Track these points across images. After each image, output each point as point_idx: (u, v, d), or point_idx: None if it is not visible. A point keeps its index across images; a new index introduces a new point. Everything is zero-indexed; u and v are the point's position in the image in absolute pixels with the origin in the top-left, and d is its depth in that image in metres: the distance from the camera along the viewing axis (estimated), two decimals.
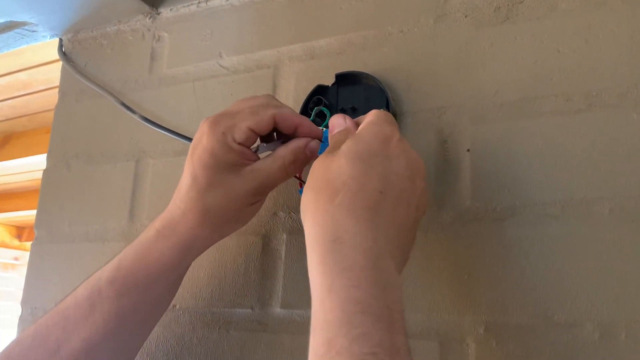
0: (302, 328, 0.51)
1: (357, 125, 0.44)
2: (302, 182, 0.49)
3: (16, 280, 3.62)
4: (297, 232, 0.54)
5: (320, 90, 0.55)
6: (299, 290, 0.52)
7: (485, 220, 0.47)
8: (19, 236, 3.78)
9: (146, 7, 0.69)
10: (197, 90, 0.64)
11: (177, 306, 0.57)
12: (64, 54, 0.75)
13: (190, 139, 0.58)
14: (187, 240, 0.47)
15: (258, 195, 0.47)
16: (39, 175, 0.73)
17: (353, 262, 0.35)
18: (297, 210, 0.55)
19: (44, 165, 0.72)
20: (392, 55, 0.54)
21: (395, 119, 0.52)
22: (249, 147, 0.46)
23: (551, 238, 0.44)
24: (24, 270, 0.68)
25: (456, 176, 0.49)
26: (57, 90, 0.75)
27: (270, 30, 0.61)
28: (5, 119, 2.15)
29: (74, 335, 0.46)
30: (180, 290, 0.58)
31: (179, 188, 0.47)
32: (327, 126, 0.53)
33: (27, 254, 0.72)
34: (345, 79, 0.54)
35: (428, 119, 0.51)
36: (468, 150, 0.49)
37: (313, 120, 0.54)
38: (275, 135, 0.49)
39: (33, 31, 0.75)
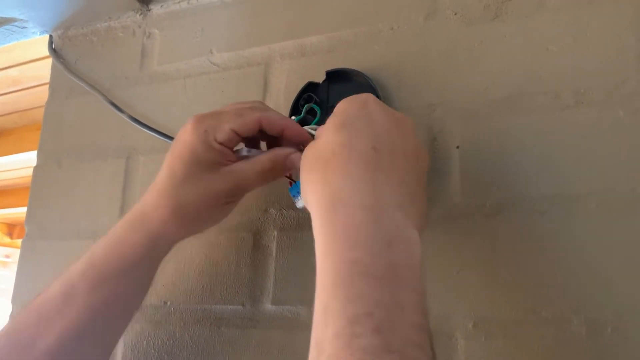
0: (293, 324, 0.51)
1: None
2: (292, 181, 0.50)
3: (8, 277, 3.60)
4: (288, 228, 0.54)
5: (311, 87, 0.55)
6: (289, 286, 0.53)
7: (475, 216, 0.47)
8: (10, 234, 3.76)
9: (137, 4, 0.68)
10: (188, 87, 0.64)
11: (169, 303, 0.58)
12: (54, 51, 0.74)
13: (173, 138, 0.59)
14: (157, 233, 0.47)
15: (232, 196, 0.48)
16: (30, 172, 0.73)
17: (351, 222, 0.34)
18: (287, 207, 0.55)
19: (34, 162, 0.72)
20: (383, 53, 0.54)
21: None
22: (230, 148, 0.46)
23: (539, 234, 0.45)
24: (15, 268, 0.68)
25: (446, 173, 0.49)
26: (47, 86, 0.74)
27: (261, 27, 0.61)
28: None
29: (49, 330, 0.46)
30: (171, 287, 0.58)
31: (156, 181, 0.47)
32: (318, 123, 0.53)
33: (18, 252, 0.72)
34: (336, 76, 0.55)
35: (418, 116, 0.51)
36: (457, 147, 0.49)
37: (304, 117, 0.54)
38: (260, 142, 0.50)
39: (23, 27, 0.74)
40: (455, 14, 0.52)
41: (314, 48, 0.58)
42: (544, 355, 0.42)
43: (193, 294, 0.57)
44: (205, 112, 0.48)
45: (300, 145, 0.48)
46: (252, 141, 0.50)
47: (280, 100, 0.58)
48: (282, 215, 0.55)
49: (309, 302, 0.51)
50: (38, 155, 0.72)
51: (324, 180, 0.37)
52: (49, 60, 0.75)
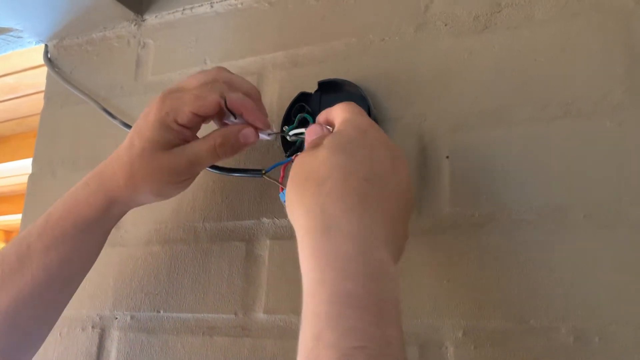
0: (285, 333, 0.52)
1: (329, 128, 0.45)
2: (283, 187, 0.50)
3: None
4: (280, 237, 0.55)
5: (303, 97, 0.56)
6: (282, 295, 0.53)
7: (464, 226, 0.47)
8: (7, 241, 3.76)
9: (131, 14, 0.69)
10: None
11: (161, 312, 0.58)
12: (49, 60, 0.75)
13: None
14: (113, 196, 0.50)
15: (184, 173, 0.50)
16: (27, 179, 0.73)
17: (344, 253, 0.34)
18: (280, 216, 0.55)
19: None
20: (374, 63, 0.55)
21: None
22: (190, 128, 0.49)
23: (527, 243, 0.45)
24: None
25: (435, 182, 0.49)
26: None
27: (255, 37, 0.62)
28: None
29: (2, 292, 0.47)
30: (164, 295, 0.58)
31: (119, 148, 0.50)
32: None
33: None
34: (327, 87, 0.55)
35: (408, 126, 0.52)
36: (447, 157, 0.50)
37: (296, 127, 0.55)
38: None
39: (19, 37, 0.75)
40: (445, 25, 0.53)
41: (306, 58, 0.59)
42: None
43: (186, 302, 0.57)
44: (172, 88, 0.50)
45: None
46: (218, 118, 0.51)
47: (274, 109, 0.58)
48: (274, 224, 0.55)
49: (301, 311, 0.52)
50: (33, 164, 0.72)
51: (318, 203, 0.37)
52: (46, 68, 0.76)
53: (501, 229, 0.46)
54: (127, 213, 0.53)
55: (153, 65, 0.67)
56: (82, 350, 0.60)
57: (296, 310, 0.52)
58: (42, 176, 0.71)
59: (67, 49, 0.74)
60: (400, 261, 0.39)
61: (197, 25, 0.66)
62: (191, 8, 0.66)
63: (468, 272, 0.46)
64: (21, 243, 0.49)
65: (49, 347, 0.62)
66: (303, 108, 0.55)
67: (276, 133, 0.53)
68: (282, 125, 0.56)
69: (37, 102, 0.75)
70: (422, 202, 0.49)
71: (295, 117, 0.55)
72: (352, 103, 0.44)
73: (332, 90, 0.55)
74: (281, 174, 0.50)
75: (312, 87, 0.56)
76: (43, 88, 0.75)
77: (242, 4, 0.64)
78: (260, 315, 0.53)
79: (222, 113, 0.49)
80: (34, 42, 0.76)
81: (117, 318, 0.60)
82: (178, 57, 0.66)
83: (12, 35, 0.74)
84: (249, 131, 0.49)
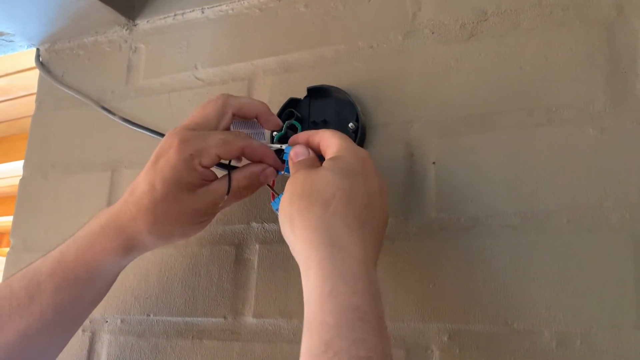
0: (274, 337, 0.52)
1: (316, 154, 0.47)
2: (275, 193, 0.51)
3: None
4: (269, 242, 0.55)
5: (292, 103, 0.56)
6: (271, 299, 0.53)
7: (450, 231, 0.48)
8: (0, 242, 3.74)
9: (123, 19, 0.69)
10: (173, 101, 0.65)
11: (151, 315, 0.58)
12: (41, 64, 0.75)
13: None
14: (131, 243, 0.48)
15: (207, 215, 0.49)
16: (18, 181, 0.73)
17: (351, 269, 0.37)
18: (269, 221, 0.56)
19: None
20: (363, 70, 0.56)
21: (365, 132, 0.53)
22: (210, 170, 0.48)
23: (512, 248, 0.46)
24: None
25: (422, 188, 0.50)
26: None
27: (245, 43, 0.63)
28: None
29: (9, 326, 0.47)
30: (154, 299, 0.59)
31: (133, 190, 0.48)
32: None
33: None
34: (317, 93, 0.56)
35: (396, 132, 0.53)
36: (434, 162, 0.50)
37: (285, 133, 0.55)
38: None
39: (10, 41, 0.75)
40: (432, 33, 0.54)
41: (296, 64, 0.59)
42: None
43: (176, 306, 0.57)
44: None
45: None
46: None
47: None
48: (264, 228, 0.56)
49: (290, 315, 0.52)
50: (24, 167, 0.72)
51: (324, 221, 0.39)
52: (38, 71, 0.76)
53: (486, 234, 0.47)
54: None
55: (144, 70, 0.68)
56: (72, 354, 0.61)
57: (285, 314, 0.52)
58: (33, 180, 0.71)
59: (59, 53, 0.75)
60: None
61: (188, 31, 0.66)
62: (182, 13, 0.67)
63: (454, 276, 0.47)
64: (31, 279, 0.48)
65: None
66: (292, 114, 0.56)
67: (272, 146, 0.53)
68: (272, 132, 0.56)
69: (29, 105, 0.74)
70: (409, 207, 0.50)
71: (284, 123, 0.56)
72: (340, 132, 0.47)
73: (321, 96, 0.56)
74: (272, 182, 0.51)
75: (301, 93, 0.56)
76: (35, 90, 0.76)
77: (232, 10, 0.64)
78: (249, 319, 0.54)
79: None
80: (26, 46, 0.76)
81: (107, 321, 0.60)
82: (169, 62, 0.66)
83: (3, 39, 0.74)
84: (269, 171, 0.49)
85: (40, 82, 0.75)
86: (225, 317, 0.55)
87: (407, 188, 0.51)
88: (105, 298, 0.60)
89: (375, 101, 0.54)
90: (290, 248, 0.42)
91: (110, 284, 0.52)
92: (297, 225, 0.40)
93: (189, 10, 0.66)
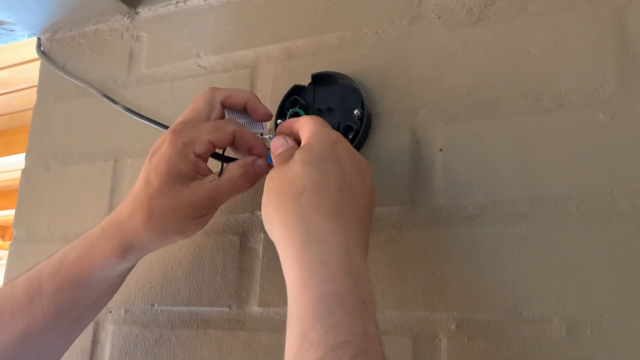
0: (280, 326, 0.52)
1: (297, 142, 0.46)
2: None
3: (0, 280, 3.58)
4: None
5: (297, 90, 0.56)
6: (276, 288, 0.53)
7: (457, 219, 0.48)
8: (2, 236, 3.75)
9: (124, 7, 0.69)
10: (175, 90, 0.64)
11: (156, 305, 0.58)
12: (43, 53, 0.74)
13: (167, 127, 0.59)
14: (130, 241, 0.47)
15: (204, 209, 0.48)
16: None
17: (327, 257, 0.37)
18: None
19: None
20: (367, 56, 0.55)
21: (370, 119, 0.53)
22: (205, 160, 0.48)
23: (520, 235, 0.45)
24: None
25: (429, 175, 0.49)
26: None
27: (248, 30, 0.62)
28: None
29: (10, 326, 0.47)
30: (158, 289, 0.58)
31: (132, 190, 0.48)
32: None
33: None
34: (321, 80, 0.55)
35: (402, 119, 0.52)
36: (441, 149, 0.50)
37: None
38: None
39: (11, 30, 0.74)
40: (439, 18, 0.53)
41: (300, 51, 0.58)
42: (525, 355, 0.43)
43: (180, 296, 0.57)
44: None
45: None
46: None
47: (267, 103, 0.58)
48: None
49: None
50: (26, 159, 0.72)
51: (297, 215, 0.39)
52: (39, 63, 0.75)
53: (494, 221, 0.46)
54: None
55: (146, 59, 0.67)
56: (76, 344, 0.60)
57: None
58: (35, 171, 0.70)
59: (60, 42, 0.74)
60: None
61: (190, 18, 0.65)
62: (185, 1, 0.66)
63: (461, 264, 0.47)
64: (33, 280, 0.48)
65: None
66: (297, 101, 0.55)
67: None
68: (276, 119, 0.56)
69: (31, 97, 0.74)
70: (416, 194, 0.50)
71: (288, 111, 0.55)
72: (317, 116, 0.46)
73: (325, 83, 0.55)
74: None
75: (306, 80, 0.55)
76: (36, 83, 0.75)
77: None
78: (254, 308, 0.53)
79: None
80: (27, 35, 0.76)
81: (111, 312, 0.60)
82: (171, 50, 0.66)
83: (4, 29, 0.74)
84: (261, 161, 0.49)
85: (42, 72, 0.75)
86: (230, 307, 0.54)
87: (413, 176, 0.50)
88: None
89: (380, 88, 0.53)
90: (276, 245, 0.41)
91: (113, 287, 0.51)
92: (274, 222, 0.41)
93: None
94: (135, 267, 0.59)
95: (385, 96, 0.53)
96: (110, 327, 0.59)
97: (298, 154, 0.42)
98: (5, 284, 0.50)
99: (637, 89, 0.45)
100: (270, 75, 0.59)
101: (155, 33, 0.67)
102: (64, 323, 0.49)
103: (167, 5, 0.67)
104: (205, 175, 0.48)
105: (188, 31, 0.65)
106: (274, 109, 0.56)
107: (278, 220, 0.40)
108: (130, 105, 0.65)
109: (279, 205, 0.40)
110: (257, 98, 0.52)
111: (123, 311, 0.59)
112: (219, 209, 0.57)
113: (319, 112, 0.55)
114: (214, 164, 0.49)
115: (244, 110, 0.52)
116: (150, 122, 0.62)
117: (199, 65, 0.63)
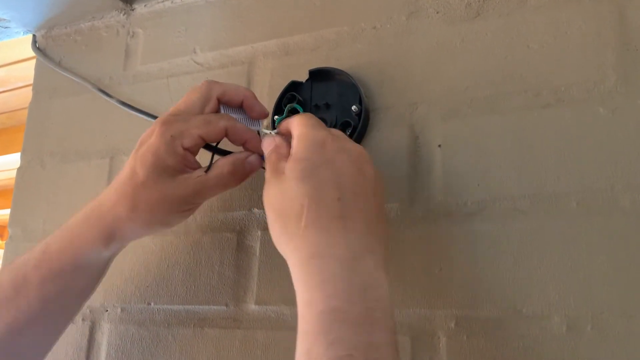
0: (277, 324, 0.51)
1: (286, 137, 0.45)
2: None
3: None
4: None
5: (294, 86, 0.55)
6: (273, 286, 0.52)
7: (456, 215, 0.47)
8: (0, 235, 3.74)
9: (120, 4, 0.68)
10: (172, 86, 0.63)
11: (152, 304, 0.57)
12: (38, 50, 0.74)
13: None
14: (112, 230, 0.47)
15: (189, 203, 0.47)
16: None
17: (329, 274, 0.37)
18: None
19: None
20: (365, 52, 0.54)
21: (368, 115, 0.52)
22: (193, 154, 0.47)
23: (520, 232, 0.45)
24: None
25: (428, 171, 0.49)
26: None
27: (245, 26, 0.61)
28: None
29: None
30: (155, 287, 0.58)
31: (117, 178, 0.47)
32: None
33: None
34: (319, 75, 0.55)
35: (400, 115, 0.51)
36: (439, 145, 0.49)
37: (286, 117, 0.54)
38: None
39: (6, 27, 0.74)
40: (437, 13, 0.52)
41: (297, 47, 0.58)
42: (525, 352, 0.43)
43: (177, 294, 0.56)
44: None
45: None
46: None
47: (264, 99, 0.58)
48: (265, 215, 0.55)
49: (292, 302, 0.50)
50: (22, 157, 0.71)
51: (301, 237, 0.39)
52: (35, 61, 0.75)
53: (494, 218, 0.46)
54: None
55: (142, 55, 0.67)
56: (72, 343, 0.60)
57: (288, 301, 0.51)
58: (30, 169, 0.70)
59: (56, 39, 0.73)
60: (389, 254, 0.42)
61: (186, 14, 0.65)
62: None
63: (461, 261, 0.46)
64: (17, 272, 0.48)
65: None
66: (294, 97, 0.55)
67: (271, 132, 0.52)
68: (273, 115, 0.55)
69: (27, 96, 0.73)
70: (414, 191, 0.49)
71: (285, 107, 0.54)
72: (308, 115, 0.46)
73: (323, 79, 0.54)
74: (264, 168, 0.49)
75: (303, 76, 0.55)
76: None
77: None
78: (251, 307, 0.53)
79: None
80: (22, 32, 0.75)
81: (107, 310, 0.59)
82: (168, 46, 0.65)
83: None
84: (254, 158, 0.48)
85: (37, 69, 0.74)
86: (227, 305, 0.54)
87: (412, 172, 0.50)
88: (105, 287, 0.59)
89: (378, 83, 0.53)
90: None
91: (98, 275, 0.51)
92: (282, 242, 0.41)
93: None
94: (131, 266, 0.59)
95: (384, 92, 0.53)
96: (107, 325, 0.59)
97: (287, 168, 0.41)
98: None
99: (637, 83, 0.44)
100: (267, 71, 0.59)
101: (151, 29, 0.67)
102: (51, 314, 0.49)
103: (163, 2, 0.67)
104: (194, 169, 0.47)
105: (184, 27, 0.65)
106: (271, 105, 0.55)
107: (285, 241, 0.40)
108: (126, 102, 0.65)
109: (284, 228, 0.40)
110: (254, 96, 0.50)
111: (119, 310, 0.59)
112: (214, 205, 0.57)
113: (316, 108, 0.54)
114: (206, 155, 0.49)
115: (240, 107, 0.51)
116: (146, 116, 0.62)
117: (195, 62, 0.63)
